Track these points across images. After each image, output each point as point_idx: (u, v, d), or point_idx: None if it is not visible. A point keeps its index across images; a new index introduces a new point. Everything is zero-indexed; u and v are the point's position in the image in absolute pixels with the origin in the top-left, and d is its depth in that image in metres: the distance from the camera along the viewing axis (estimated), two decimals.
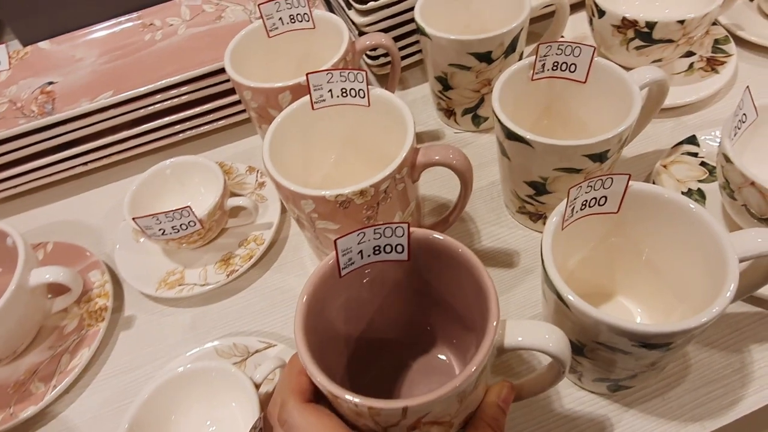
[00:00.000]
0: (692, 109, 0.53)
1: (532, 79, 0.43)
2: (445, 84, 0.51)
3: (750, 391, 0.35)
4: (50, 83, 0.58)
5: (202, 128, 0.58)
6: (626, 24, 0.49)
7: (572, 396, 0.36)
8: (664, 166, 0.46)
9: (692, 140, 0.47)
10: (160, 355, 0.43)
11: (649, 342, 0.28)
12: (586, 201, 0.33)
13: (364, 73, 0.39)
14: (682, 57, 0.55)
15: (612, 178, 0.32)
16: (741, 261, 0.30)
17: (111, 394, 0.41)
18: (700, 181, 0.45)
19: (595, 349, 0.31)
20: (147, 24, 0.63)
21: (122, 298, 0.47)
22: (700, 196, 0.44)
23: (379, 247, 0.31)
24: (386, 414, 0.25)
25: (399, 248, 0.31)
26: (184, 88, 0.54)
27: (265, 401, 0.35)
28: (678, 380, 0.36)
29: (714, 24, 0.57)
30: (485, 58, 0.47)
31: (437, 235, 0.30)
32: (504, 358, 0.38)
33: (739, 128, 0.39)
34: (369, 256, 0.32)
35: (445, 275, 0.31)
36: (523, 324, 0.28)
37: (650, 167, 0.47)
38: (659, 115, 0.52)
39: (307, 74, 0.39)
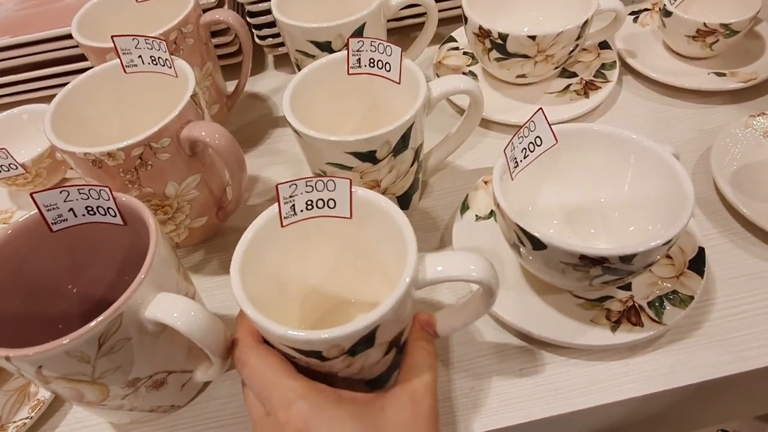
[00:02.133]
0: None
1: (349, 74, 0.42)
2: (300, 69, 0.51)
3: (475, 417, 0.34)
4: None
5: None
6: (483, 33, 0.47)
7: None
8: (485, 182, 0.44)
9: None
10: None
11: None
12: (312, 201, 0.32)
13: (163, 42, 0.40)
14: (563, 77, 0.53)
15: (334, 181, 0.32)
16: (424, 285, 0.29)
17: None
18: None
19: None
20: None
21: None
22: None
23: (92, 207, 0.32)
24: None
25: (111, 212, 0.32)
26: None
27: None
28: None
29: (609, 48, 0.55)
30: (326, 47, 0.46)
31: (129, 200, 0.31)
32: None
33: (531, 150, 0.37)
34: (83, 216, 0.33)
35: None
36: None
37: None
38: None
39: (112, 37, 0.40)
